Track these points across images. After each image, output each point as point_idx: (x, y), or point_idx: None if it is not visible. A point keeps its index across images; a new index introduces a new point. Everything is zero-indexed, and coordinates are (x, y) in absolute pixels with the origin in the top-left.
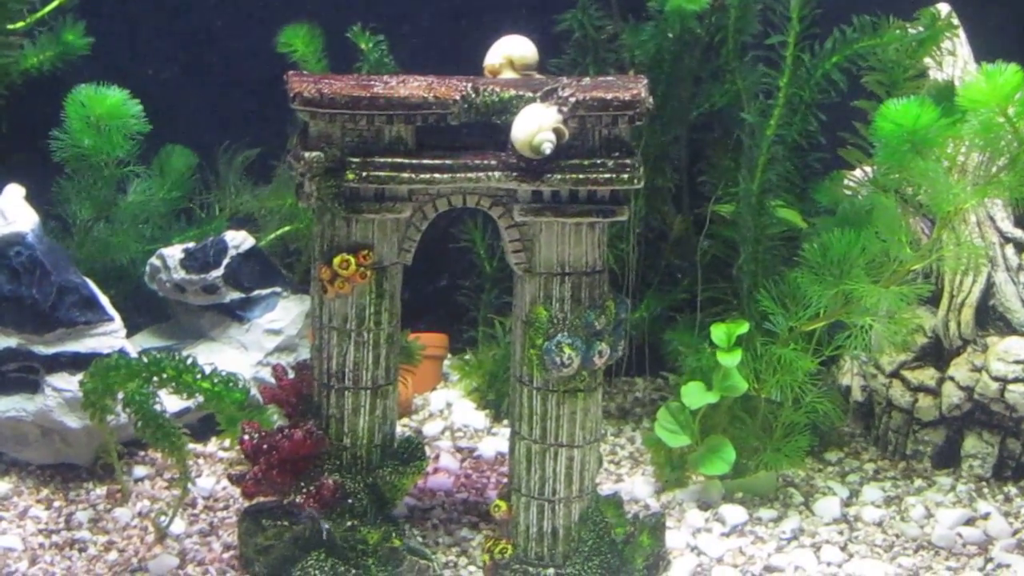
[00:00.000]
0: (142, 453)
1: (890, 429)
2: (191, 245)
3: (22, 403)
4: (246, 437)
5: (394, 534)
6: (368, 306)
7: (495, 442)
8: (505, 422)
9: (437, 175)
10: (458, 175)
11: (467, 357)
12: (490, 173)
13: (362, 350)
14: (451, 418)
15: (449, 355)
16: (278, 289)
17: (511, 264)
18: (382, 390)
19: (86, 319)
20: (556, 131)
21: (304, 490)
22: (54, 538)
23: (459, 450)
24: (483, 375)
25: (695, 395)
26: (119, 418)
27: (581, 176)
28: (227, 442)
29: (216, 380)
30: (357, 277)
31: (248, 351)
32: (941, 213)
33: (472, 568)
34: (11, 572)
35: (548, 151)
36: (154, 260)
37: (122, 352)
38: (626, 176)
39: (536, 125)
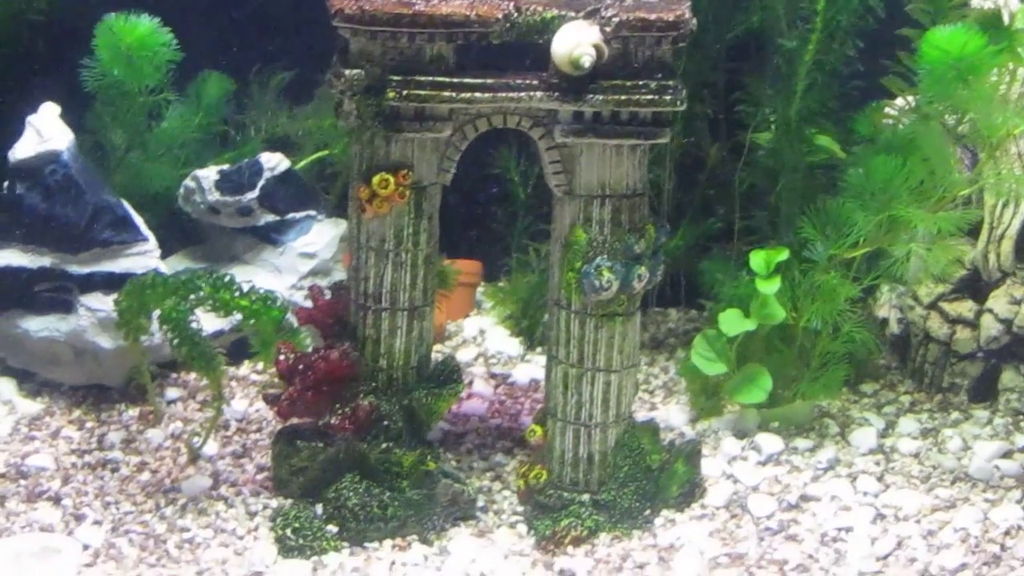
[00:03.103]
0: (174, 375)
1: (927, 361)
2: (226, 167)
3: (55, 323)
4: (281, 358)
5: (429, 457)
6: (406, 226)
7: (529, 369)
8: (539, 350)
9: (478, 94)
10: (499, 95)
11: (500, 284)
12: (531, 93)
13: (400, 271)
14: (484, 345)
15: (482, 282)
16: (313, 212)
17: (550, 186)
18: (419, 312)
19: (120, 239)
20: (596, 48)
21: (339, 412)
22: (86, 458)
23: (493, 376)
24: (517, 302)
25: (733, 322)
26: (153, 338)
27: (623, 97)
28: (260, 365)
29: (254, 298)
30: (396, 197)
31: (282, 274)
32: (989, 140)
33: (506, 493)
34: (43, 491)
35: (587, 65)
36: (188, 182)
37: (156, 272)
38: (668, 98)
39: (575, 40)
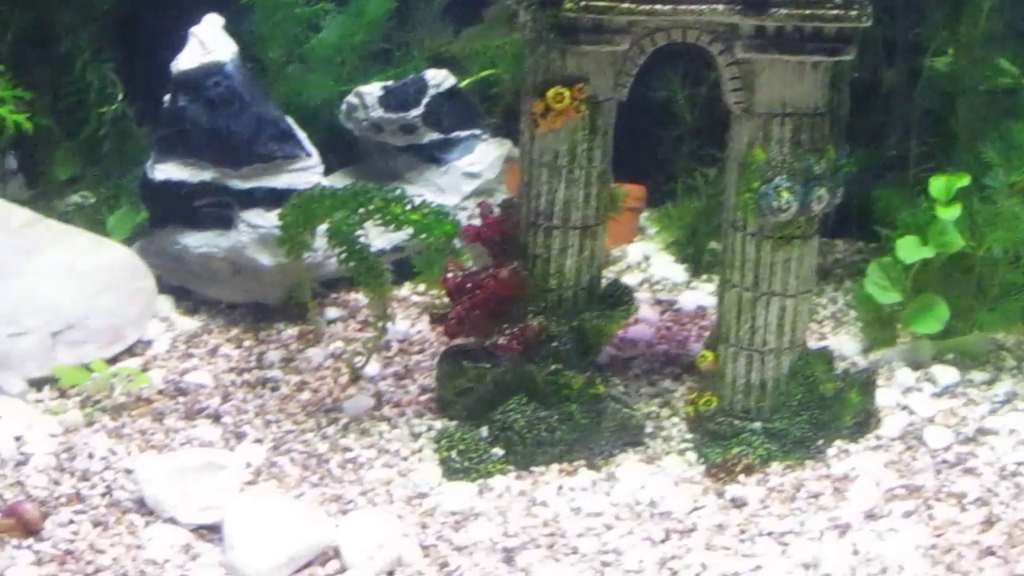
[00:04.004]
0: (334, 295)
1: None
2: (390, 83)
3: (214, 239)
4: (450, 275)
5: (598, 380)
6: (580, 142)
7: (694, 295)
8: (704, 277)
9: (658, 7)
10: (679, 7)
11: (665, 210)
12: (713, 6)
13: (572, 188)
14: (649, 271)
15: (645, 208)
16: (477, 131)
17: (728, 103)
18: (591, 230)
19: (283, 154)
20: None
21: (507, 332)
22: (245, 376)
23: (658, 302)
24: (682, 228)
25: (910, 249)
26: (315, 256)
27: (807, 12)
28: (421, 286)
29: (426, 211)
30: (570, 111)
31: (445, 194)
32: None
33: (674, 420)
34: (203, 408)
35: None
36: (351, 98)
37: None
38: (855, 13)
39: None
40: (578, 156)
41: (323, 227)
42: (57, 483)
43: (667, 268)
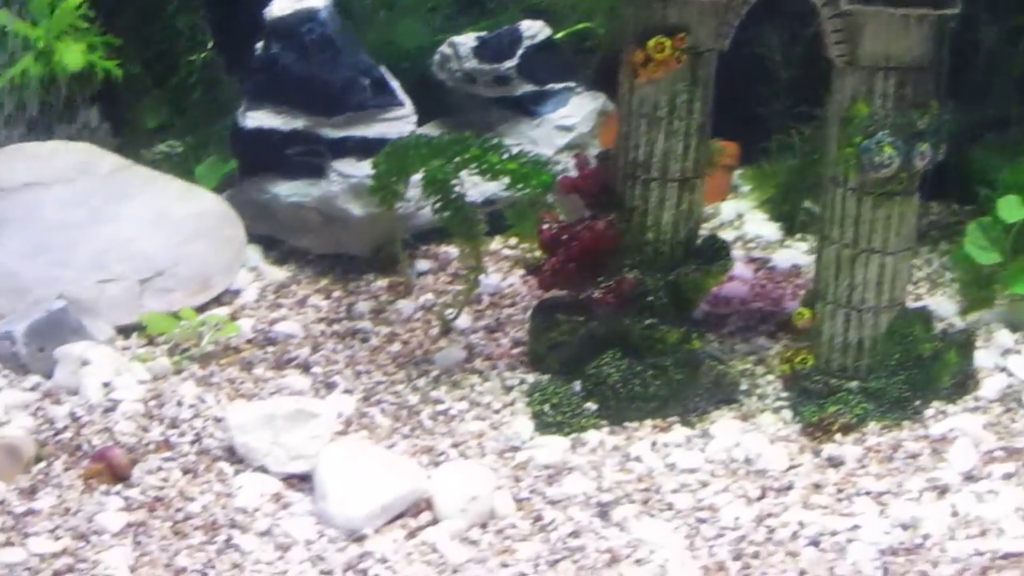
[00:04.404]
0: (424, 247)
1: None
2: (484, 34)
3: (305, 188)
4: (545, 227)
5: (693, 336)
6: (681, 93)
7: (789, 254)
8: (798, 235)
9: None
10: None
11: (760, 167)
12: None
13: (671, 139)
14: (743, 228)
15: (739, 165)
16: (571, 84)
17: (831, 57)
18: (689, 183)
19: (376, 103)
20: None
21: (602, 285)
22: (335, 327)
23: (752, 260)
24: (776, 186)
25: (1012, 209)
26: (407, 206)
27: None
28: (512, 240)
29: (523, 160)
30: (671, 61)
31: (537, 147)
32: None
33: (770, 377)
34: (292, 358)
35: None
36: (445, 48)
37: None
38: None
39: None
40: (678, 107)
41: (417, 176)
42: (145, 430)
43: (760, 226)
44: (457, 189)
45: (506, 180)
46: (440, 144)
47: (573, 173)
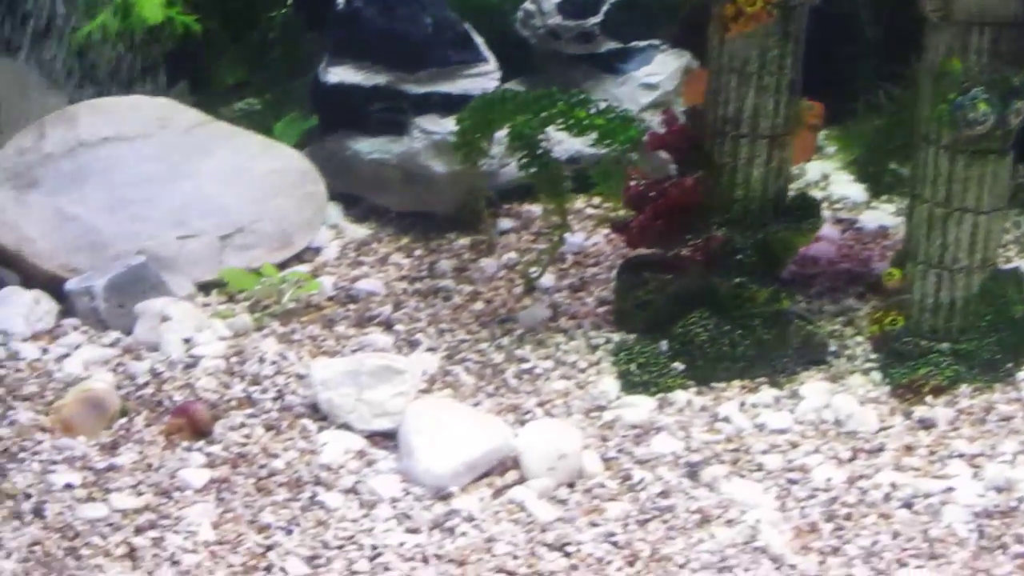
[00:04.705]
0: (506, 206)
1: None
2: None
3: (387, 145)
4: (632, 183)
5: (782, 295)
6: (771, 48)
7: (875, 215)
8: (885, 196)
9: None
10: None
11: (846, 127)
12: None
13: (762, 95)
14: (829, 189)
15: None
16: (656, 42)
17: (925, 12)
18: (779, 140)
19: (460, 58)
20: None
21: (690, 243)
22: (417, 285)
23: (839, 221)
24: (863, 147)
25: None
26: (491, 163)
27: None
28: (596, 199)
29: (611, 116)
30: (762, 15)
31: (621, 105)
32: None
33: (858, 339)
34: (374, 315)
35: None
36: (528, 4)
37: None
38: None
39: None
40: (768, 62)
41: (501, 133)
42: (227, 387)
43: (846, 187)
44: (543, 145)
45: (592, 137)
46: (526, 99)
47: (660, 129)
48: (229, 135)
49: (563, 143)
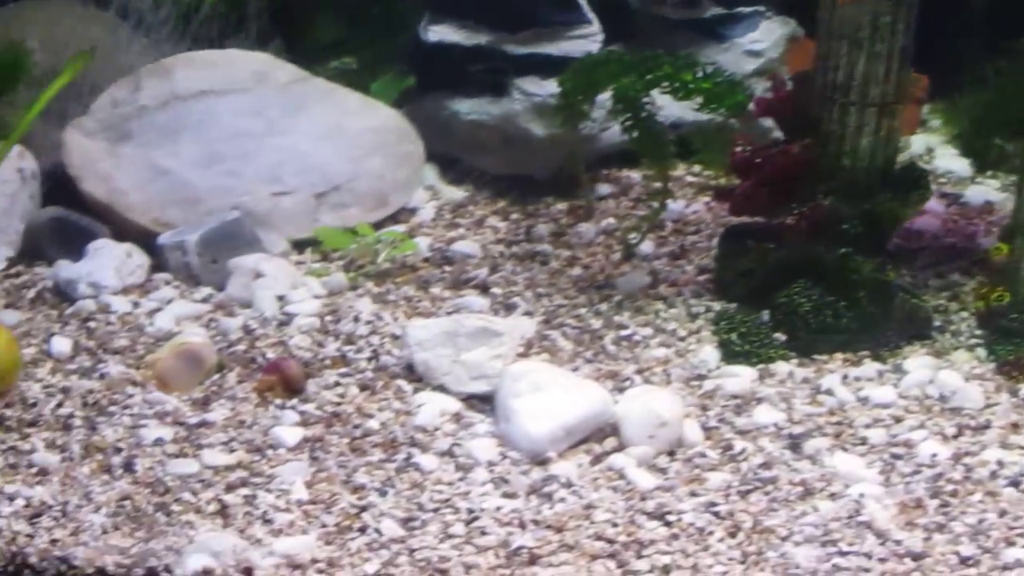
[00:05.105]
0: (605, 171)
1: None
2: None
3: (486, 106)
4: (738, 149)
5: (888, 268)
6: (884, 14)
7: (981, 190)
8: (990, 172)
9: None
10: None
11: (951, 101)
12: None
13: (873, 62)
14: (933, 163)
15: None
16: (761, 8)
17: None
18: (889, 109)
19: (563, 19)
20: None
21: (795, 211)
22: (513, 248)
23: (943, 196)
24: (968, 121)
25: None
26: (591, 127)
27: None
28: (696, 166)
29: (718, 79)
30: None
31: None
32: None
33: (963, 314)
34: (470, 278)
35: None
36: None
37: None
38: None
39: None
40: (880, 29)
41: (602, 97)
42: (321, 345)
43: (952, 161)
44: (648, 108)
45: (694, 103)
46: (631, 61)
47: (767, 95)
48: (327, 92)
49: (664, 109)
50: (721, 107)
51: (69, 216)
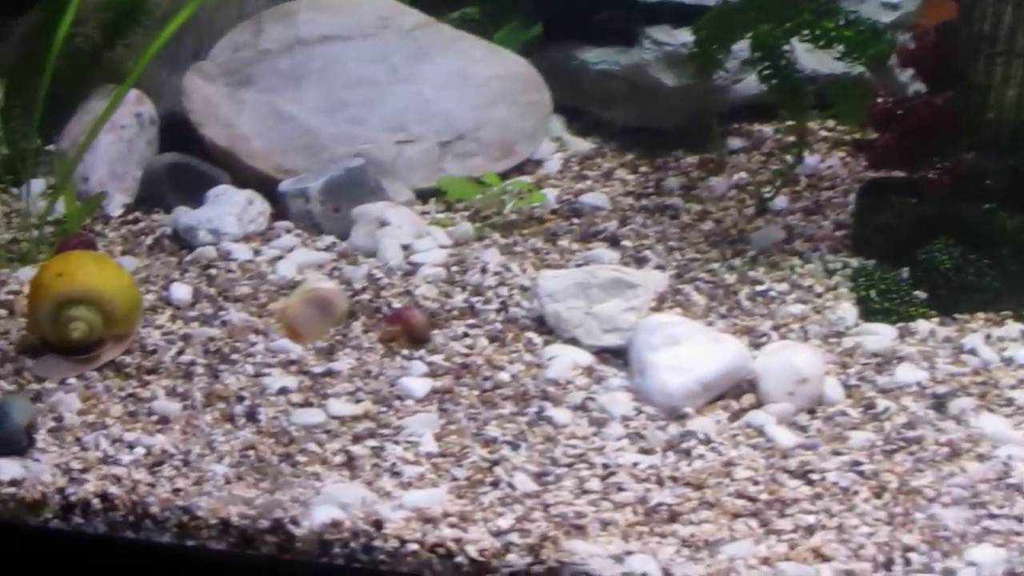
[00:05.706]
0: (736, 124)
1: None
2: None
3: (614, 56)
4: (879, 100)
5: None
6: None
7: None
8: None
9: None
10: None
11: None
12: None
13: (1021, 12)
14: None
15: None
16: None
17: None
18: None
19: None
20: None
21: (937, 166)
22: (643, 202)
23: None
24: None
25: None
26: (724, 78)
27: None
28: (830, 121)
29: (861, 27)
30: None
31: None
32: None
33: None
34: (599, 231)
35: None
36: None
37: None
38: None
39: None
40: None
41: (736, 47)
42: (448, 295)
43: None
44: (788, 56)
45: (831, 55)
46: (770, 8)
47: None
48: (452, 39)
49: (799, 62)
50: (864, 56)
51: (188, 162)
